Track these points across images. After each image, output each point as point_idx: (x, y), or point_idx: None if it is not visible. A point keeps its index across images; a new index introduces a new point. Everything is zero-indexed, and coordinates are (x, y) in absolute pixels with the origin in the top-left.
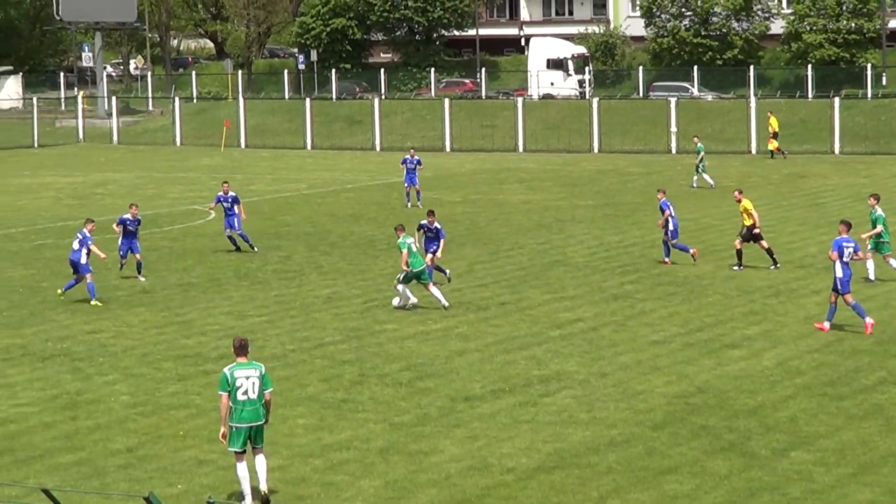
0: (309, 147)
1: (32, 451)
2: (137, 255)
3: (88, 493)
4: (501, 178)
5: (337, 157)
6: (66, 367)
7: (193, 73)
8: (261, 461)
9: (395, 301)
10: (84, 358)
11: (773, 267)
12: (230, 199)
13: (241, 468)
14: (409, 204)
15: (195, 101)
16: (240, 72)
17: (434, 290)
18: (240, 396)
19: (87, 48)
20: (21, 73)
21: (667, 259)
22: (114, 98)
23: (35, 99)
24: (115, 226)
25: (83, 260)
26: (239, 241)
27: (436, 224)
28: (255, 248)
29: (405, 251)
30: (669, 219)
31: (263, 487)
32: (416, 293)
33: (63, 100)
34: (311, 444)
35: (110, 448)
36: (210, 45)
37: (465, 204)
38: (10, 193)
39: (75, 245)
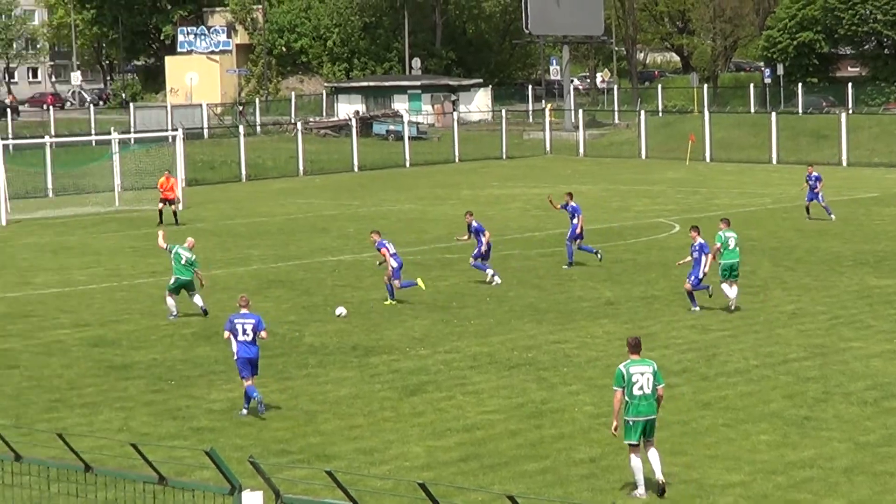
0: (774, 161)
1: (499, 458)
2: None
3: (552, 501)
4: None
5: (802, 171)
6: (531, 376)
7: (659, 86)
8: (654, 453)
9: None
10: (549, 367)
11: None
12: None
13: (635, 460)
14: (809, 217)
15: (660, 114)
16: (705, 85)
17: None
18: (635, 392)
19: (554, 61)
20: (490, 86)
21: None
22: (580, 111)
23: (504, 111)
24: None
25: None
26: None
27: None
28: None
29: None
30: None
31: (660, 478)
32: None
33: (531, 112)
34: (773, 461)
35: (574, 457)
36: (676, 58)
37: None
38: (480, 204)
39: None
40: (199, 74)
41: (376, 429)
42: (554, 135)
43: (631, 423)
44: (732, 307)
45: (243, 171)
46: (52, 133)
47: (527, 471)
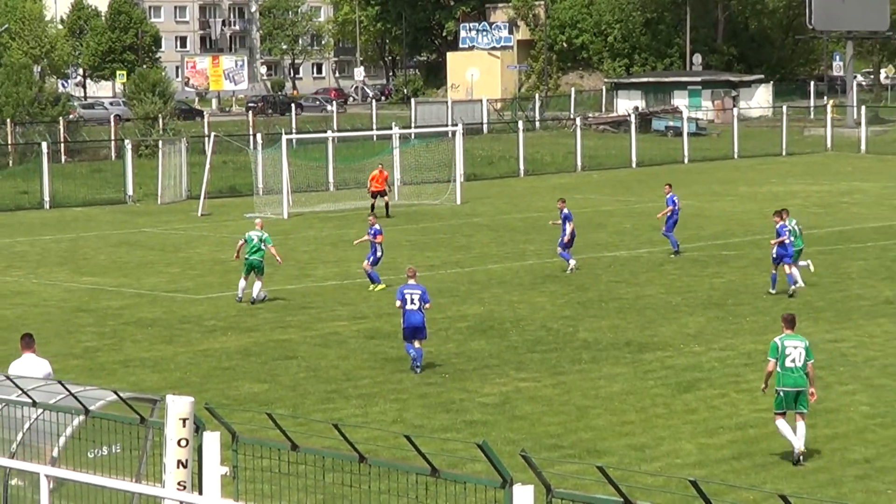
0: None
1: (771, 457)
2: None
3: (824, 501)
4: None
5: None
6: None
7: None
8: (801, 425)
9: None
10: (825, 366)
11: None
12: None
13: (782, 423)
14: None
15: None
16: None
17: None
18: (787, 364)
19: (837, 57)
20: (772, 82)
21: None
22: (863, 107)
23: (784, 107)
24: None
25: None
26: None
27: None
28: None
29: None
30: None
31: (800, 446)
32: None
33: (812, 108)
34: None
35: (848, 458)
36: None
37: None
38: (758, 201)
39: None
40: (479, 70)
41: (648, 425)
42: (835, 131)
43: (781, 393)
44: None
45: (521, 167)
46: (335, 128)
47: (799, 470)
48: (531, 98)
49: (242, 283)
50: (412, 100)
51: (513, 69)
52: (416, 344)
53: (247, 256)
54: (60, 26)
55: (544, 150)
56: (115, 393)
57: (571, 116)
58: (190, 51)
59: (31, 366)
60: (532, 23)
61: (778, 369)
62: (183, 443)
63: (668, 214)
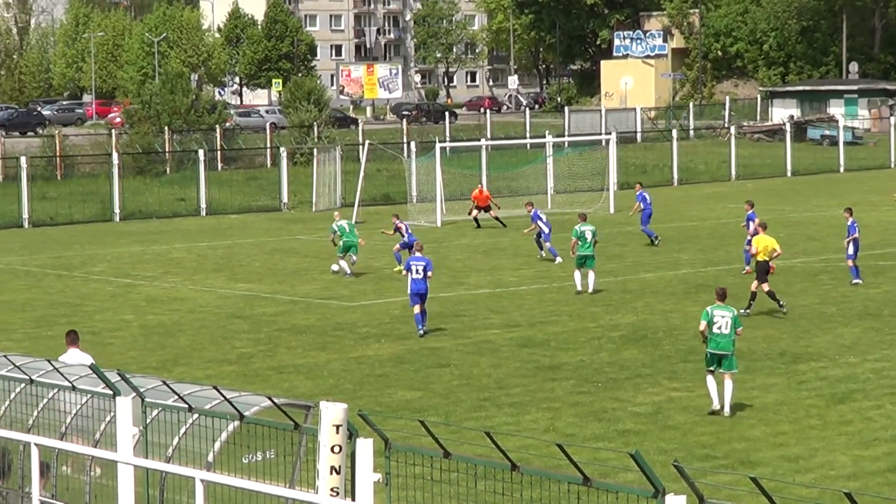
0: None
1: None
2: None
3: None
4: None
5: None
6: None
7: None
8: (728, 384)
9: None
10: None
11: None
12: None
13: (710, 380)
14: None
15: None
16: None
17: None
18: (714, 330)
19: None
20: None
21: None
22: None
23: None
24: None
25: None
26: None
27: None
28: None
29: None
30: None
31: (726, 405)
32: None
33: None
34: None
35: None
36: None
37: None
38: None
39: None
40: (633, 78)
41: (802, 436)
42: None
43: (709, 354)
44: None
45: (675, 175)
46: (488, 136)
47: None
48: (685, 106)
49: (343, 263)
50: (566, 108)
51: (667, 77)
52: (418, 309)
53: (343, 240)
54: (217, 35)
55: (698, 158)
56: (270, 399)
57: (725, 125)
58: (345, 59)
59: (76, 360)
60: (687, 31)
61: (709, 334)
62: (336, 449)
63: (641, 210)
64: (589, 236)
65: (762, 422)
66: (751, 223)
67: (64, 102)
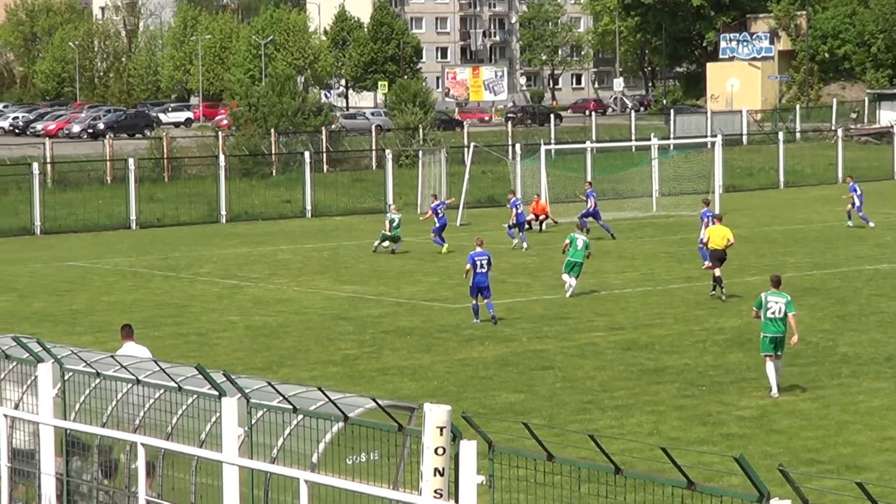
0: None
1: None
2: None
3: None
4: None
5: None
6: None
7: None
8: (778, 364)
9: None
10: None
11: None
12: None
13: (769, 366)
14: None
15: None
16: None
17: None
18: (769, 315)
19: None
20: None
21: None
22: None
23: None
24: None
25: None
26: None
27: None
28: None
29: None
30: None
31: (775, 385)
32: None
33: None
34: None
35: None
36: None
37: None
38: None
39: None
40: (739, 80)
41: None
42: None
43: (766, 339)
44: None
45: (781, 178)
46: (593, 138)
47: None
48: (791, 109)
49: (387, 243)
50: (671, 110)
51: (773, 80)
52: (482, 301)
53: (392, 231)
54: (324, 38)
55: (805, 161)
56: (374, 400)
57: (833, 128)
58: (450, 61)
59: (133, 353)
60: (793, 33)
61: (763, 319)
62: (440, 451)
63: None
64: (580, 244)
65: (868, 427)
66: (704, 221)
67: (171, 105)
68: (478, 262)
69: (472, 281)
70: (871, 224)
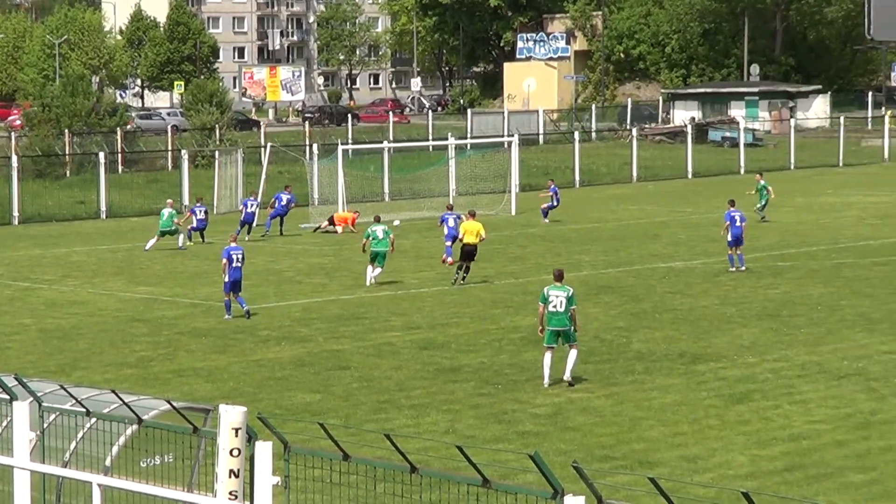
0: None
1: (824, 469)
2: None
3: None
4: None
5: None
6: (860, 387)
7: None
8: (573, 353)
9: None
10: (879, 378)
11: None
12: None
13: (546, 358)
14: None
15: None
16: None
17: None
18: (551, 308)
19: None
20: (829, 93)
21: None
22: None
23: (842, 118)
24: None
25: None
26: None
27: None
28: None
29: None
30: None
31: (568, 375)
32: None
33: (870, 119)
34: None
35: None
36: None
37: None
38: (814, 212)
39: None
40: (536, 81)
41: (700, 436)
42: (893, 142)
43: (549, 332)
44: None
45: (577, 177)
46: (391, 138)
47: (852, 482)
48: (587, 109)
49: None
50: (468, 110)
51: (569, 80)
52: (232, 297)
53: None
54: (119, 37)
55: (600, 160)
56: (169, 403)
57: (627, 127)
58: (248, 61)
59: None
60: (589, 33)
61: (547, 313)
62: (235, 452)
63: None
64: (381, 234)
65: (661, 423)
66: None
67: None
68: (234, 257)
69: (227, 276)
70: (546, 220)
